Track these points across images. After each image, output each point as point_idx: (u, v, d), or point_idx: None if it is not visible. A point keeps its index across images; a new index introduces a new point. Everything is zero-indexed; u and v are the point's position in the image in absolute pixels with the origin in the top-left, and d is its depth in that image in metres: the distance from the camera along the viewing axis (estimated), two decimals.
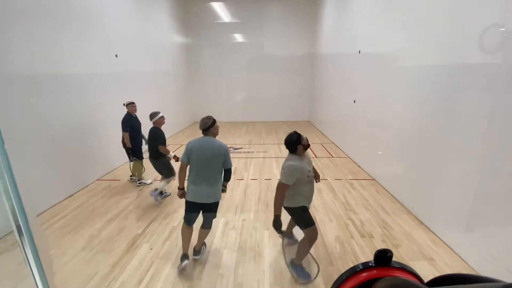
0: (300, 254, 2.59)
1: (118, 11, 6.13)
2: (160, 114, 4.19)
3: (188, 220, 2.77)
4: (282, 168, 2.51)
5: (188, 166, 2.68)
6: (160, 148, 4.04)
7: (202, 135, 2.73)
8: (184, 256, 2.75)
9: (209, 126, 2.67)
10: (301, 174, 2.44)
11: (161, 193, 4.17)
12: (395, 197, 4.32)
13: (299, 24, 11.07)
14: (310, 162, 2.62)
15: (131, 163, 4.86)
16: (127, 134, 4.65)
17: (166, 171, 4.25)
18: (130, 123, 4.70)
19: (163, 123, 4.24)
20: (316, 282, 2.57)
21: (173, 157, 4.17)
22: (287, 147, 2.56)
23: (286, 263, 2.74)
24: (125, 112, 4.81)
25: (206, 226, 2.87)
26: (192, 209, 2.75)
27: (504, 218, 2.43)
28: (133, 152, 4.77)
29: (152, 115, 4.15)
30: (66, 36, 4.47)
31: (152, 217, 3.79)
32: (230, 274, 2.69)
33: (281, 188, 2.44)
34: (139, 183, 4.99)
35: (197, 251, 2.92)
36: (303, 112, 12.21)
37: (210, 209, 2.77)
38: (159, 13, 8.64)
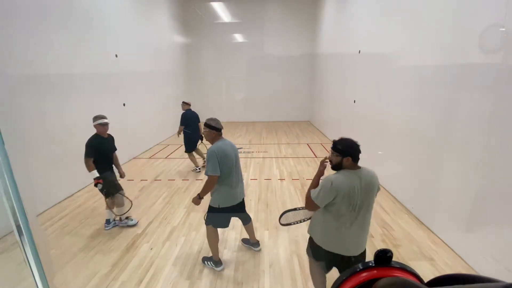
0: None
1: (118, 11, 6.13)
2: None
3: (226, 224, 2.74)
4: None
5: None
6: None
7: (211, 135, 2.61)
8: (220, 262, 2.79)
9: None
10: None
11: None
12: (395, 197, 4.32)
13: (299, 24, 11.07)
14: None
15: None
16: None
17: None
18: None
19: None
20: None
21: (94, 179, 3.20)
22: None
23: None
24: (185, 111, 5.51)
25: (249, 219, 2.99)
26: (230, 212, 2.71)
27: (504, 218, 2.43)
28: None
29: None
30: (66, 36, 4.47)
31: (152, 217, 3.79)
32: (230, 274, 2.69)
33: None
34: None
35: (256, 243, 3.05)
36: (303, 112, 12.21)
37: (243, 203, 2.86)
38: (159, 13, 8.64)
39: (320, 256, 2.02)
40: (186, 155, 5.77)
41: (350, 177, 1.77)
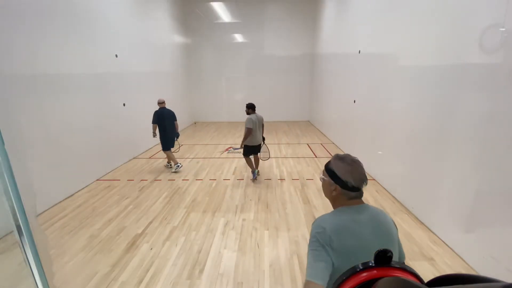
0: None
1: (118, 11, 6.13)
2: None
3: None
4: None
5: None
6: None
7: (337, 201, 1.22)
8: None
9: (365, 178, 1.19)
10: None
11: None
12: (395, 197, 4.32)
13: (299, 24, 11.07)
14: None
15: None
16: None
17: None
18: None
19: None
20: None
21: None
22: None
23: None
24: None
25: None
26: None
27: (504, 218, 2.43)
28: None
29: None
30: (66, 36, 4.48)
31: (152, 217, 3.79)
32: (230, 274, 2.69)
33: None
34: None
35: None
36: (303, 112, 12.20)
37: None
38: (159, 13, 8.64)
39: (247, 151, 4.93)
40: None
41: None
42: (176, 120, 5.69)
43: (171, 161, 5.76)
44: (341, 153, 1.30)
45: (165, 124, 5.44)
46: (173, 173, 5.55)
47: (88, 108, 5.06)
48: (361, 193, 1.19)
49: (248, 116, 4.87)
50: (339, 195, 1.18)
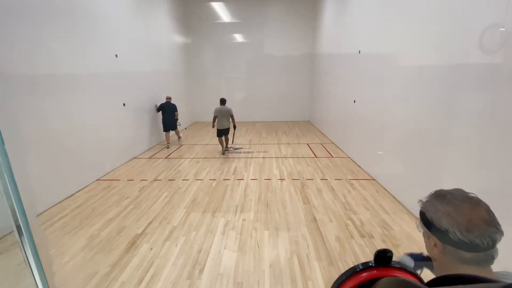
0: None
1: (118, 11, 6.13)
2: None
3: None
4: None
5: None
6: None
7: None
8: None
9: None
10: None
11: None
12: (395, 197, 4.32)
13: (299, 24, 11.08)
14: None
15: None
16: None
17: None
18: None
19: None
20: (316, 282, 2.57)
21: None
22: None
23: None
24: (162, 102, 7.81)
25: None
26: None
27: (504, 218, 2.42)
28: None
29: None
30: (66, 36, 4.47)
31: (152, 217, 3.79)
32: (230, 274, 2.69)
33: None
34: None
35: None
36: (303, 112, 12.20)
37: None
38: (159, 13, 8.64)
39: (218, 133, 6.71)
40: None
41: None
42: (176, 111, 7.75)
43: (168, 142, 7.80)
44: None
45: (165, 113, 7.62)
46: (175, 174, 5.56)
47: (88, 108, 5.06)
48: (486, 256, 0.73)
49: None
50: (444, 256, 0.74)
